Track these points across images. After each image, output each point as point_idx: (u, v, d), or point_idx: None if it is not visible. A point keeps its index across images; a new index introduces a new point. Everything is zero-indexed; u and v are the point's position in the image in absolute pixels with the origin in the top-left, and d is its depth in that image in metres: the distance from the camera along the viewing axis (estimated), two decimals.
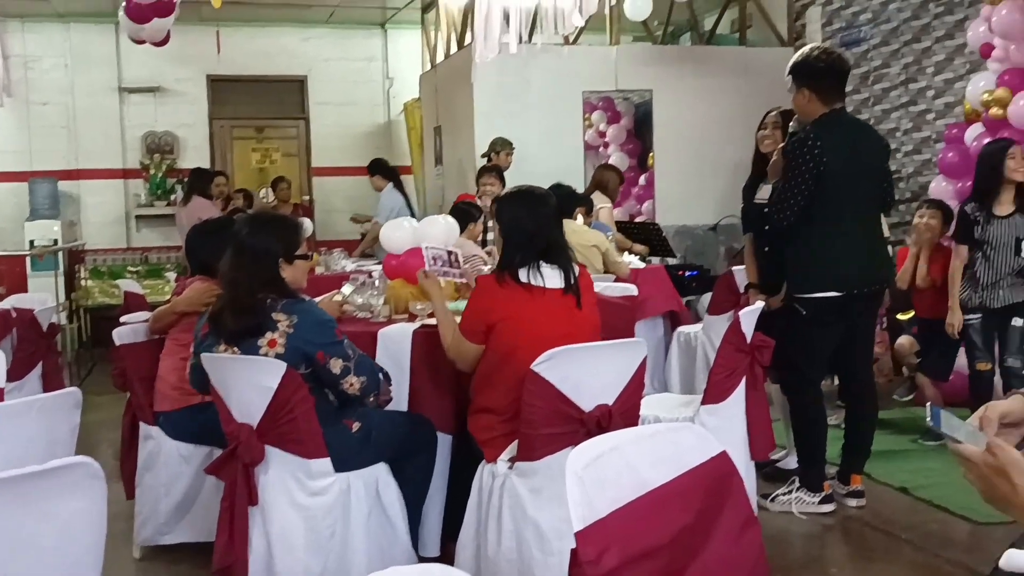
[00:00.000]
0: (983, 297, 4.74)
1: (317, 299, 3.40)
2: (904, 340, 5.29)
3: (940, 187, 6.33)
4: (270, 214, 3.26)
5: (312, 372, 2.92)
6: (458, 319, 3.20)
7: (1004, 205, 4.70)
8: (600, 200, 6.76)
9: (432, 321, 3.46)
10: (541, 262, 3.10)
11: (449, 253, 3.63)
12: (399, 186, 8.16)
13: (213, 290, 3.49)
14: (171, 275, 9.42)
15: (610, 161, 10.29)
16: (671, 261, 7.35)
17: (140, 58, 9.87)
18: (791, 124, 4.10)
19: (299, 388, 2.80)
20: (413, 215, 7.90)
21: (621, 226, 7.18)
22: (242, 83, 10.85)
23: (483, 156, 7.74)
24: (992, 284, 4.72)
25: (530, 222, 3.13)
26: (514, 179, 7.49)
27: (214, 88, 10.74)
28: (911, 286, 5.27)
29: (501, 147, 7.65)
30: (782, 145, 4.01)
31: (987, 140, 5.40)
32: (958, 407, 4.93)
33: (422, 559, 3.18)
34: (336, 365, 2.91)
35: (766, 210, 4.00)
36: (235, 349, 2.91)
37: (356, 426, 3.00)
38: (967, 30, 6.40)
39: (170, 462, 3.56)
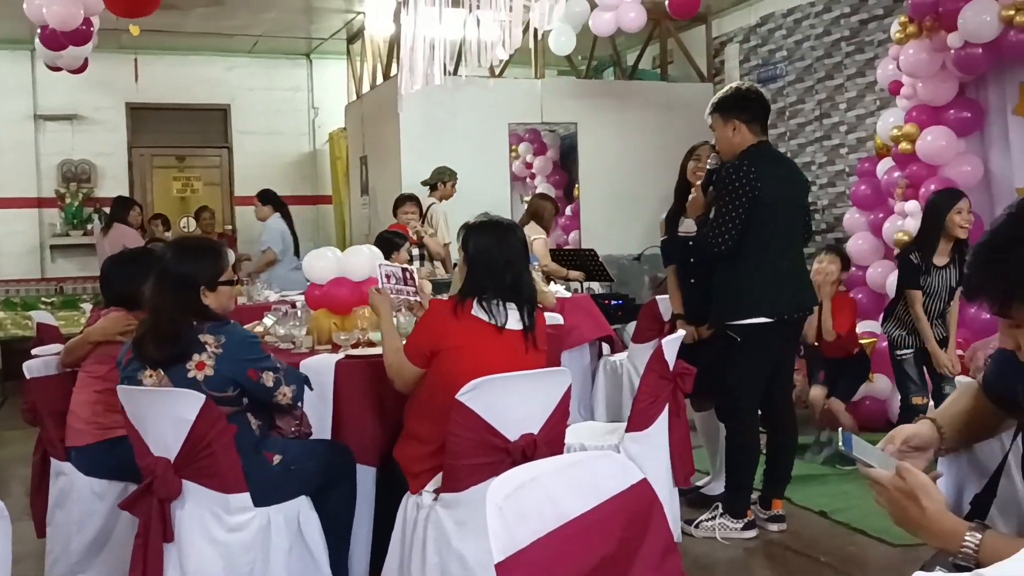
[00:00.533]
0: (916, 335, 4.80)
1: None
2: (817, 391, 5.31)
3: (853, 218, 6.53)
4: (194, 240, 3.19)
5: (240, 393, 2.88)
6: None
7: (942, 256, 4.70)
8: (534, 231, 6.77)
9: (356, 352, 3.41)
10: (509, 300, 3.04)
11: (404, 271, 3.60)
12: (286, 216, 8.14)
13: (128, 320, 3.43)
14: (87, 306, 9.14)
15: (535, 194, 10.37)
16: (598, 288, 7.40)
17: (57, 86, 9.61)
18: (709, 160, 4.17)
19: (218, 420, 2.73)
20: (297, 247, 7.91)
21: (556, 254, 7.21)
22: (163, 111, 10.66)
23: (425, 184, 7.70)
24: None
25: (500, 253, 3.06)
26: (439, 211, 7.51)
27: (134, 116, 10.53)
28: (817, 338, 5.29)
29: (449, 177, 7.63)
30: (699, 183, 4.10)
31: (936, 189, 5.36)
32: (873, 432, 5.08)
33: None
34: (268, 378, 2.91)
35: (691, 243, 4.07)
36: (161, 373, 2.85)
37: (277, 458, 2.94)
38: (877, 68, 6.63)
39: (82, 499, 3.43)
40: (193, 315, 2.90)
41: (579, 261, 7.16)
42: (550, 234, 7.53)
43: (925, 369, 4.82)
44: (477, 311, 3.01)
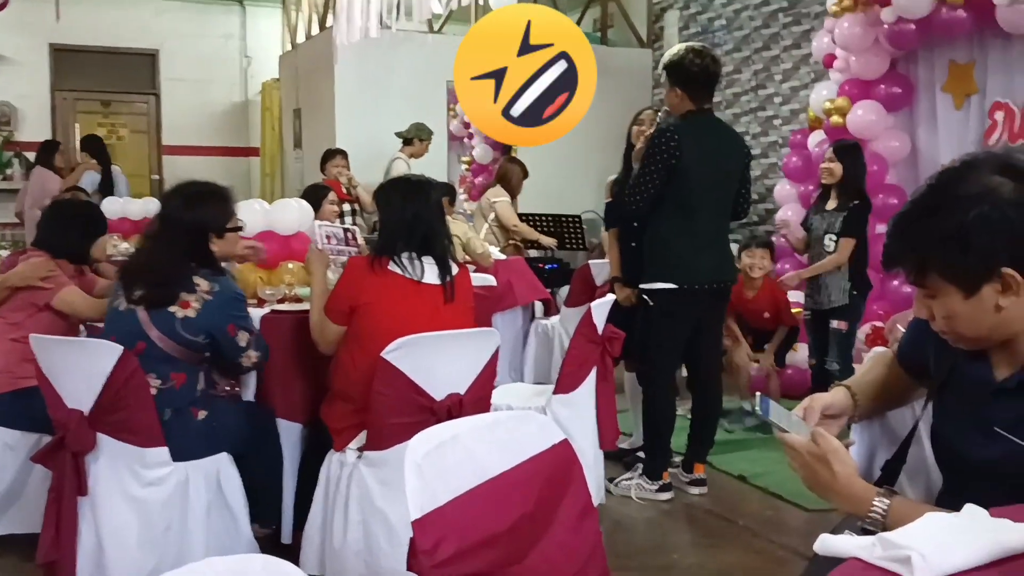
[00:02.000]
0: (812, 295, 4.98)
1: None
2: (742, 355, 5.39)
3: (784, 190, 6.63)
4: (201, 184, 3.12)
5: (208, 344, 2.88)
6: None
7: (831, 200, 4.94)
8: (497, 194, 6.69)
9: (282, 307, 3.37)
10: (423, 255, 3.05)
11: (345, 231, 3.53)
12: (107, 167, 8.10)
13: (50, 266, 3.38)
14: (3, 252, 8.85)
15: (474, 153, 10.31)
16: (533, 253, 7.36)
17: None
18: (658, 116, 4.23)
19: (135, 373, 2.67)
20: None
21: (530, 218, 7.02)
22: (88, 54, 10.30)
23: (400, 136, 7.52)
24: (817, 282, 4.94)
25: (410, 208, 3.08)
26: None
27: (57, 58, 10.16)
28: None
29: (426, 136, 7.46)
30: (649, 132, 4.10)
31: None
32: (794, 400, 5.19)
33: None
34: (243, 338, 2.93)
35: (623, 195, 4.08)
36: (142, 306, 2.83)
37: (202, 415, 2.90)
38: (813, 40, 6.71)
39: None
40: (198, 262, 2.91)
41: (558, 227, 6.94)
42: (474, 197, 7.47)
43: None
44: (393, 267, 3.01)
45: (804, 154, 6.47)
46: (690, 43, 4.07)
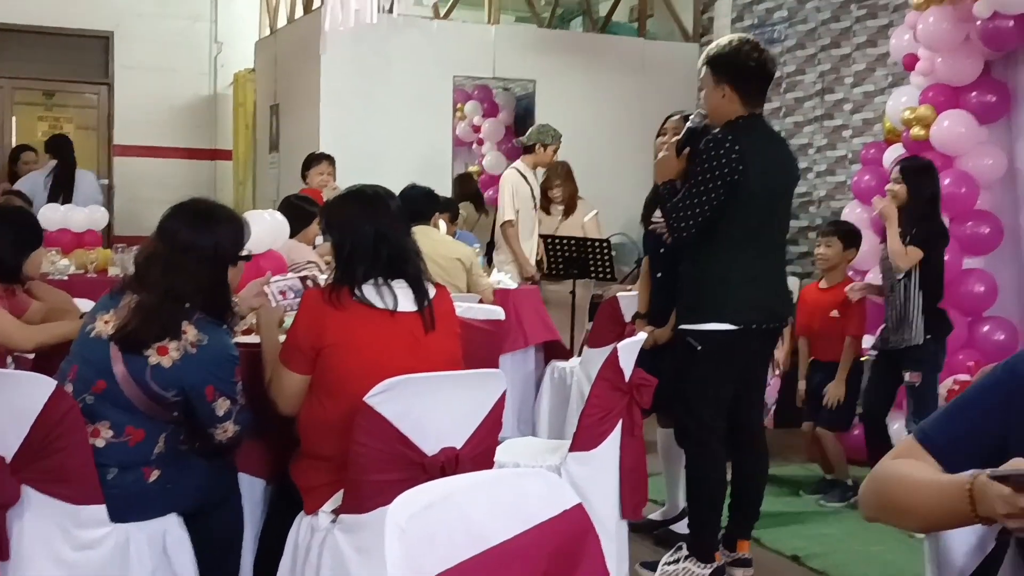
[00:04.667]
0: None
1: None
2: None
3: (854, 213, 6.63)
4: (208, 204, 3.16)
5: (178, 403, 2.88)
6: None
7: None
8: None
9: (244, 339, 3.39)
10: (390, 278, 3.06)
11: (304, 279, 3.53)
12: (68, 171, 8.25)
13: None
14: None
15: (483, 161, 10.39)
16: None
17: None
18: (692, 118, 4.07)
19: (69, 413, 2.68)
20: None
21: (550, 241, 6.84)
22: (29, 35, 10.42)
23: (519, 144, 7.50)
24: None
25: (369, 224, 3.07)
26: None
27: None
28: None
29: (552, 140, 7.23)
30: (676, 138, 4.04)
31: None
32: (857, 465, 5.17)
33: None
34: (222, 406, 2.92)
35: (657, 222, 4.04)
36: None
37: (155, 475, 2.90)
38: (891, 37, 6.73)
39: None
40: (209, 300, 2.92)
41: (581, 253, 6.61)
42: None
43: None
44: (360, 296, 3.01)
45: (878, 172, 6.47)
46: (742, 37, 4.06)
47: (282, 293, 3.44)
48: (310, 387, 3.03)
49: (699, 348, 3.92)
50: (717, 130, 3.92)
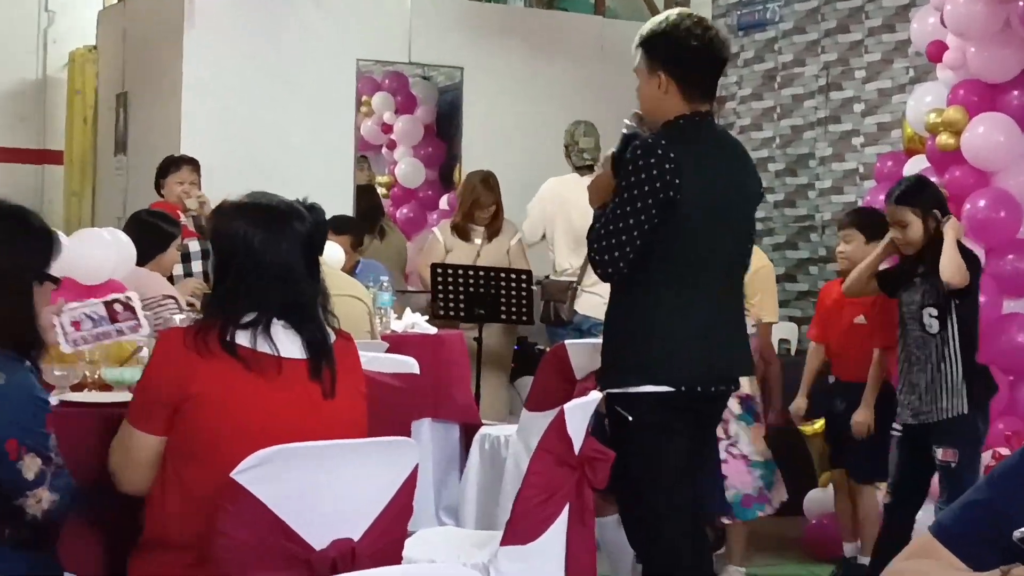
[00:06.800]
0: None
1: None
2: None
3: None
4: (8, 208, 3.13)
5: None
6: None
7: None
8: None
9: (77, 397, 3.40)
10: (275, 319, 3.03)
11: (109, 304, 3.49)
12: None
13: None
14: None
15: (396, 170, 10.37)
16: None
17: None
18: (626, 122, 4.05)
19: None
20: None
21: (451, 272, 6.91)
22: None
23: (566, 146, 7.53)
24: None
25: (268, 250, 3.05)
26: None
27: None
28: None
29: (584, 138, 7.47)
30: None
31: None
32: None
33: None
34: (32, 467, 2.86)
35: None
36: None
37: None
38: (912, 21, 6.82)
39: None
40: (11, 324, 2.94)
41: (492, 288, 6.72)
42: (410, 236, 7.46)
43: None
44: (231, 340, 2.98)
45: None
46: (681, 12, 4.03)
47: (74, 324, 3.39)
48: (164, 454, 2.99)
49: (630, 419, 3.88)
50: (649, 134, 3.91)
